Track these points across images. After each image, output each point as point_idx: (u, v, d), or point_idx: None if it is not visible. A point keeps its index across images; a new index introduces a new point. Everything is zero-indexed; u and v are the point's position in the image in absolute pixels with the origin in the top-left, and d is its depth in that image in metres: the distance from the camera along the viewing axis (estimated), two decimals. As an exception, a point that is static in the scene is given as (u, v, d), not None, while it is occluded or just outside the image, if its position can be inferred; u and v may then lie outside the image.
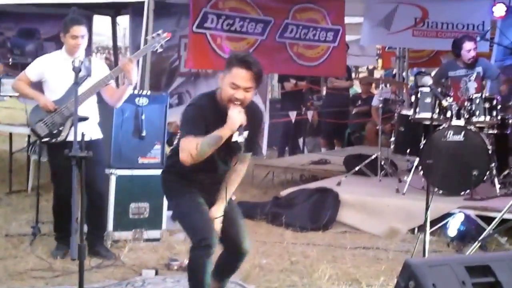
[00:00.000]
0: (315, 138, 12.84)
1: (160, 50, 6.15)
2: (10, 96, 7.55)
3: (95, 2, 10.63)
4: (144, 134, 6.62)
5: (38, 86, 6.09)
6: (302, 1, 9.48)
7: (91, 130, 5.99)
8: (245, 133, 4.31)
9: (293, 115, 11.16)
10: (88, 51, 10.75)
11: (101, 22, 12.13)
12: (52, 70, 6.02)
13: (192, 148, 4.23)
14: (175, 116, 10.22)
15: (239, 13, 8.86)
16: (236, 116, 4.21)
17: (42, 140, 6.05)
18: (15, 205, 7.89)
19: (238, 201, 7.99)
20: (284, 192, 7.93)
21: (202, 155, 4.25)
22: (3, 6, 9.90)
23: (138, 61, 6.77)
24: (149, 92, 6.85)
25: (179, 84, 10.57)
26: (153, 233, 6.62)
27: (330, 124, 12.38)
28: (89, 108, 6.00)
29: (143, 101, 6.60)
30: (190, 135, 4.27)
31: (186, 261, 5.77)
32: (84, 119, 5.84)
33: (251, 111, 4.38)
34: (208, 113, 4.33)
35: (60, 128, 5.92)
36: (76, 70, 4.63)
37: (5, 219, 7.26)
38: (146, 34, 7.40)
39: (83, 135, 4.32)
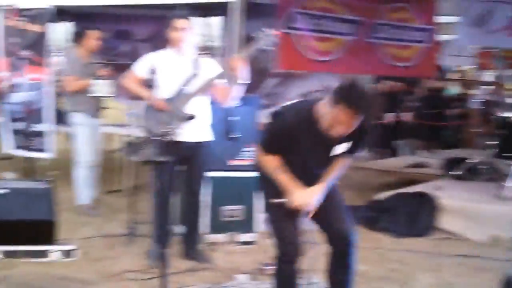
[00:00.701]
0: (410, 141, 12.51)
1: (267, 48, 6.03)
2: (107, 97, 7.56)
3: (187, 3, 10.59)
4: (235, 136, 6.52)
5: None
6: (392, 0, 9.19)
7: (199, 131, 5.93)
8: (346, 144, 4.16)
9: (388, 117, 10.92)
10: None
11: (195, 23, 12.16)
12: (160, 67, 5.95)
13: (261, 160, 4.27)
14: (267, 117, 10.15)
15: (328, 13, 8.66)
16: (301, 199, 4.16)
17: (150, 139, 5.99)
18: (113, 205, 7.96)
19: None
20: (379, 196, 7.71)
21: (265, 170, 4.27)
22: (99, 8, 10.00)
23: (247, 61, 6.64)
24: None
25: (272, 85, 10.46)
26: (247, 236, 6.52)
27: (426, 126, 12.05)
28: (200, 108, 5.91)
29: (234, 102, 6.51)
30: (264, 149, 4.24)
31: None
32: (191, 117, 5.77)
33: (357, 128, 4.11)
34: (297, 132, 4.13)
35: (169, 127, 5.82)
36: (154, 72, 4.57)
37: (103, 219, 7.36)
38: (238, 35, 7.30)
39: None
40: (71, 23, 11.77)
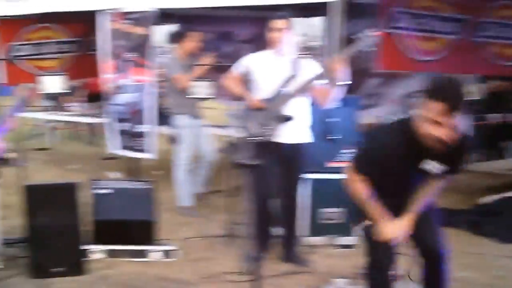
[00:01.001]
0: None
1: (368, 50, 5.94)
2: (206, 98, 7.62)
3: (289, 4, 10.57)
4: (334, 137, 6.44)
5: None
6: (502, -2, 8.91)
7: (298, 133, 5.90)
8: (442, 167, 4.06)
9: (494, 117, 10.58)
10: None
11: (297, 24, 12.15)
12: (259, 68, 5.95)
13: (352, 182, 4.24)
14: (368, 117, 10.02)
15: (431, 12, 8.46)
16: (390, 232, 4.14)
17: (248, 139, 6.00)
18: (213, 206, 8.02)
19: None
20: (485, 200, 7.47)
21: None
22: (201, 10, 10.10)
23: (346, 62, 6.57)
24: (339, 95, 6.66)
25: (373, 85, 10.33)
26: (346, 240, 6.45)
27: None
28: (299, 109, 5.88)
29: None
30: (357, 170, 4.18)
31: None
32: (289, 118, 5.76)
33: (455, 145, 4.01)
34: (393, 153, 4.05)
35: (267, 128, 5.84)
36: (253, 73, 4.56)
37: (203, 220, 7.41)
38: (339, 35, 7.22)
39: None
40: (175, 25, 12.01)
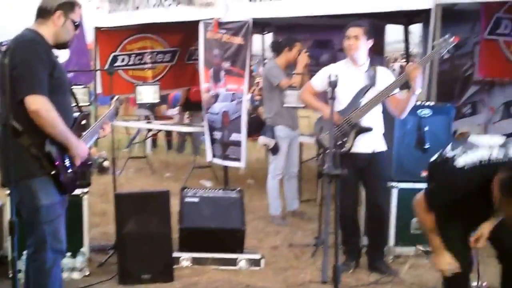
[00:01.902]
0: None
1: (447, 55, 5.83)
2: (295, 107, 7.62)
3: (388, 12, 10.48)
4: (427, 146, 6.32)
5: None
6: None
7: (375, 142, 5.87)
8: None
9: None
10: (378, 61, 10.72)
11: (395, 31, 12.02)
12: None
13: (421, 213, 4.28)
14: (467, 126, 9.78)
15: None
16: (443, 265, 4.21)
17: (327, 151, 5.99)
18: (305, 214, 7.99)
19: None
20: None
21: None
22: (298, 19, 10.13)
23: (424, 69, 6.46)
24: (432, 103, 6.54)
25: (473, 93, 10.08)
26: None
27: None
28: (374, 119, 5.85)
29: (426, 112, 6.35)
30: (430, 203, 4.21)
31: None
32: (368, 129, 5.74)
33: None
34: (467, 198, 4.00)
35: (344, 139, 5.81)
36: (332, 85, 4.56)
37: (291, 228, 7.41)
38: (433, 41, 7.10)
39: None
40: (271, 34, 12.08)
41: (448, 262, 4.22)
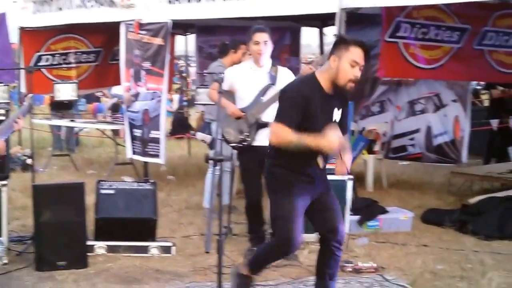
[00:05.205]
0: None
1: None
2: (204, 105, 8.01)
3: (303, 14, 10.96)
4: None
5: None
6: (502, 7, 9.13)
7: None
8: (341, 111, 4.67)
9: (495, 123, 10.83)
10: (294, 62, 11.20)
11: (309, 34, 12.53)
12: (240, 79, 6.40)
13: (280, 135, 4.51)
14: (376, 123, 10.34)
15: (434, 22, 8.75)
16: (334, 140, 4.36)
17: (231, 145, 6.45)
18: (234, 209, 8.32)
19: (430, 208, 8.00)
20: (472, 200, 7.78)
21: (286, 146, 4.49)
22: (219, 21, 10.45)
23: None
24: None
25: (381, 92, 10.66)
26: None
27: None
28: (273, 115, 6.27)
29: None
30: (282, 123, 4.48)
31: (360, 264, 5.92)
32: (266, 124, 6.16)
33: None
34: (312, 97, 4.48)
35: (246, 134, 6.29)
36: (219, 81, 5.02)
37: (204, 219, 7.74)
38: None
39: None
40: (193, 35, 12.44)
41: (329, 139, 4.37)
